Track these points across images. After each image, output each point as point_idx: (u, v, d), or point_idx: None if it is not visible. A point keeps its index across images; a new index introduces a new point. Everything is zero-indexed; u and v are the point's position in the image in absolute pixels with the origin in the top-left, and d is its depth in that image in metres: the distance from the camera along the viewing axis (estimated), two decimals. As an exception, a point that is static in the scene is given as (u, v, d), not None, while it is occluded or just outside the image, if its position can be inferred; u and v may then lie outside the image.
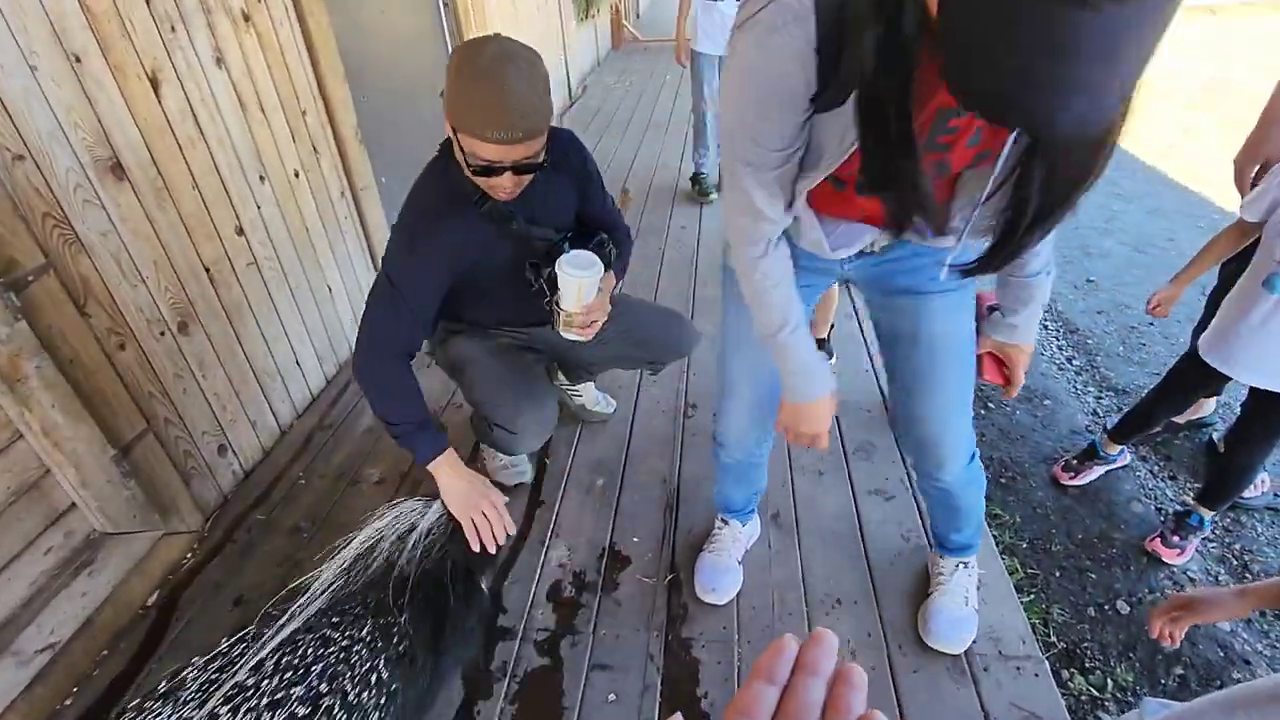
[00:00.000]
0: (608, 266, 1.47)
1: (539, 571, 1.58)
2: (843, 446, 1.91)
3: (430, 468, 1.30)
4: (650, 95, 5.88)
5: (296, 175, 2.08)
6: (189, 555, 1.66)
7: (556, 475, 1.86)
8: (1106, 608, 1.72)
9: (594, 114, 5.37)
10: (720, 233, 3.28)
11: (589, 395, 2.02)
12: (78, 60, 1.36)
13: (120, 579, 1.45)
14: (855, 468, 1.83)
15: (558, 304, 1.40)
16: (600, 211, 1.55)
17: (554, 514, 1.74)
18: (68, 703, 1.34)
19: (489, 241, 1.38)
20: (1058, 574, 1.81)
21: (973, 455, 1.25)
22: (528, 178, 1.25)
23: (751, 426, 1.32)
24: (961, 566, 1.41)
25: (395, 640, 1.03)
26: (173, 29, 1.59)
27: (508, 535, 1.28)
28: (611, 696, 1.32)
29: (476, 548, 1.24)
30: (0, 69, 1.21)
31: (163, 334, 1.60)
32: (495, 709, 1.30)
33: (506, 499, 1.30)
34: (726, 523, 1.56)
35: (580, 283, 1.34)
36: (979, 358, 1.18)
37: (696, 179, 3.66)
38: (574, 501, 1.78)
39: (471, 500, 1.25)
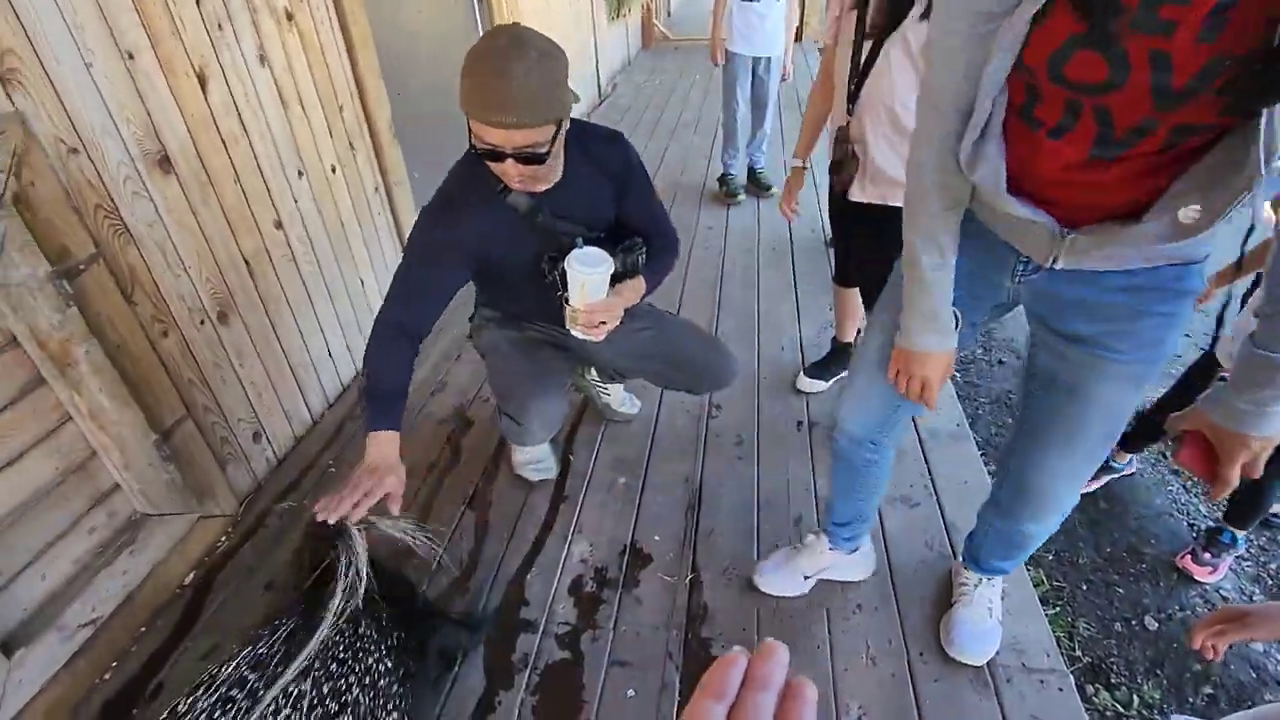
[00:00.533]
0: (633, 271, 1.47)
1: (561, 566, 1.60)
2: (867, 452, 1.90)
3: (370, 436, 1.23)
4: (680, 94, 5.88)
5: (333, 170, 2.13)
6: (223, 538, 1.71)
7: (580, 472, 1.88)
8: (1134, 623, 1.69)
9: (623, 112, 5.38)
10: (746, 234, 3.28)
11: (616, 395, 2.03)
12: (130, 57, 1.41)
13: (159, 559, 1.50)
14: (879, 473, 1.82)
15: (567, 299, 1.40)
16: (641, 215, 1.51)
17: (577, 510, 1.76)
18: (106, 676, 1.39)
19: (513, 233, 1.39)
20: (1084, 587, 1.78)
21: (1065, 515, 1.21)
22: (535, 168, 1.23)
23: (879, 405, 1.21)
24: (986, 580, 1.39)
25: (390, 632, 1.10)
26: (220, 27, 1.63)
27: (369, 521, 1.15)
28: (630, 692, 1.33)
29: (328, 506, 1.11)
30: (59, 65, 1.26)
31: (203, 323, 1.65)
32: (516, 699, 1.33)
33: (394, 512, 1.18)
34: (818, 536, 1.48)
35: (584, 279, 1.33)
36: (1181, 435, 0.93)
37: (724, 180, 3.66)
38: (596, 499, 1.79)
39: (366, 472, 1.16)
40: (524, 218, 1.38)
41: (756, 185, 3.70)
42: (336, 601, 1.01)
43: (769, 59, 3.26)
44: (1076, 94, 0.74)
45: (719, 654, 1.37)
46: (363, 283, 2.32)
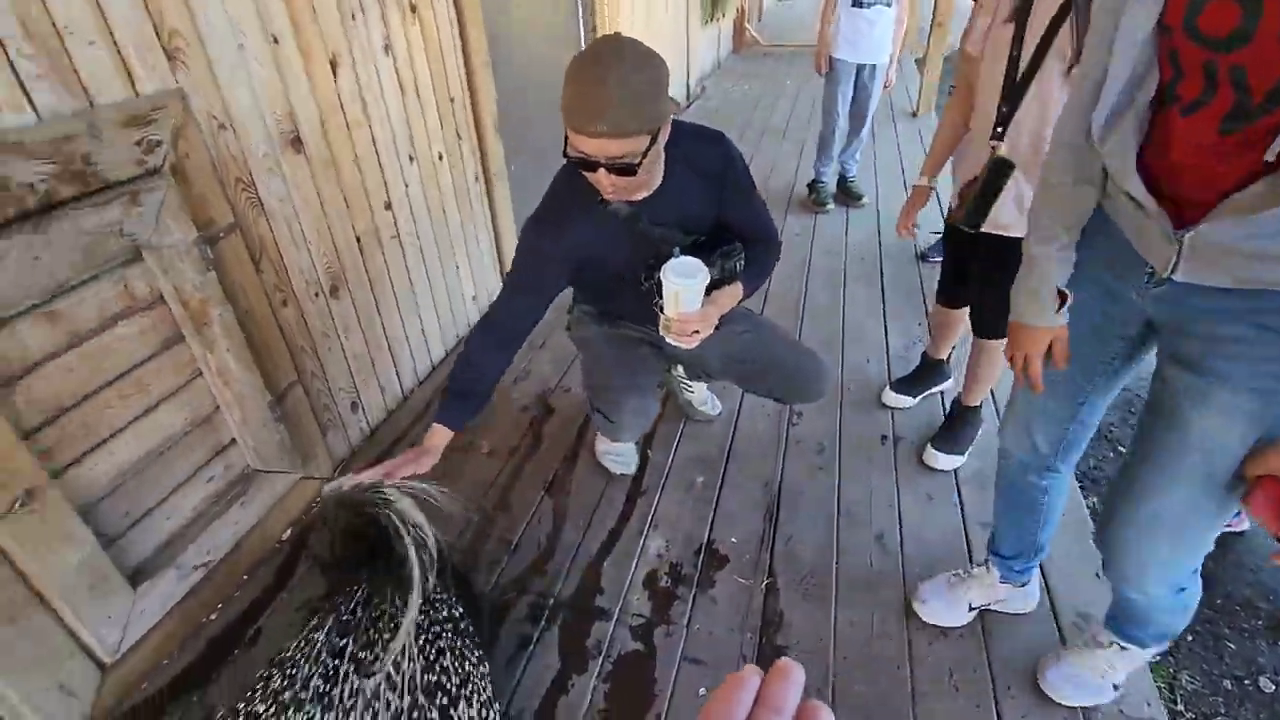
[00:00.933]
0: (730, 278, 1.45)
1: (637, 559, 1.61)
2: (955, 473, 1.83)
3: (435, 428, 1.35)
4: (769, 100, 5.82)
5: (440, 158, 2.21)
6: (318, 500, 1.81)
7: (658, 468, 1.89)
8: (1246, 682, 1.56)
9: (711, 115, 5.37)
10: (834, 243, 3.21)
11: (699, 394, 2.03)
12: (275, 41, 1.51)
13: (264, 513, 1.60)
14: (968, 498, 1.75)
15: (661, 307, 1.39)
16: (743, 219, 1.50)
17: (653, 505, 1.77)
18: (212, 617, 1.49)
19: (612, 239, 1.39)
20: (1190, 638, 1.66)
21: (1180, 589, 1.05)
22: (628, 179, 1.22)
23: (1045, 422, 1.15)
24: (1119, 644, 1.21)
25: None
26: (353, 17, 1.73)
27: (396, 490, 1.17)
28: (702, 691, 1.33)
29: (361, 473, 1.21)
30: (217, 46, 1.36)
31: (317, 295, 1.74)
32: (589, 684, 1.34)
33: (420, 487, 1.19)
34: (987, 568, 1.41)
35: (678, 290, 1.31)
36: (1254, 481, 0.85)
37: (814, 187, 3.60)
38: (673, 495, 1.80)
39: (408, 456, 1.27)
40: (624, 225, 1.38)
41: (847, 194, 3.62)
42: (417, 573, 1.03)
43: (874, 66, 3.18)
44: (1211, 52, 0.72)
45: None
46: (457, 268, 2.41)
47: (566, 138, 1.20)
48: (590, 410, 1.74)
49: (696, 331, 1.39)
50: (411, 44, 1.98)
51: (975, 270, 1.69)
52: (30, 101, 1.07)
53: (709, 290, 1.37)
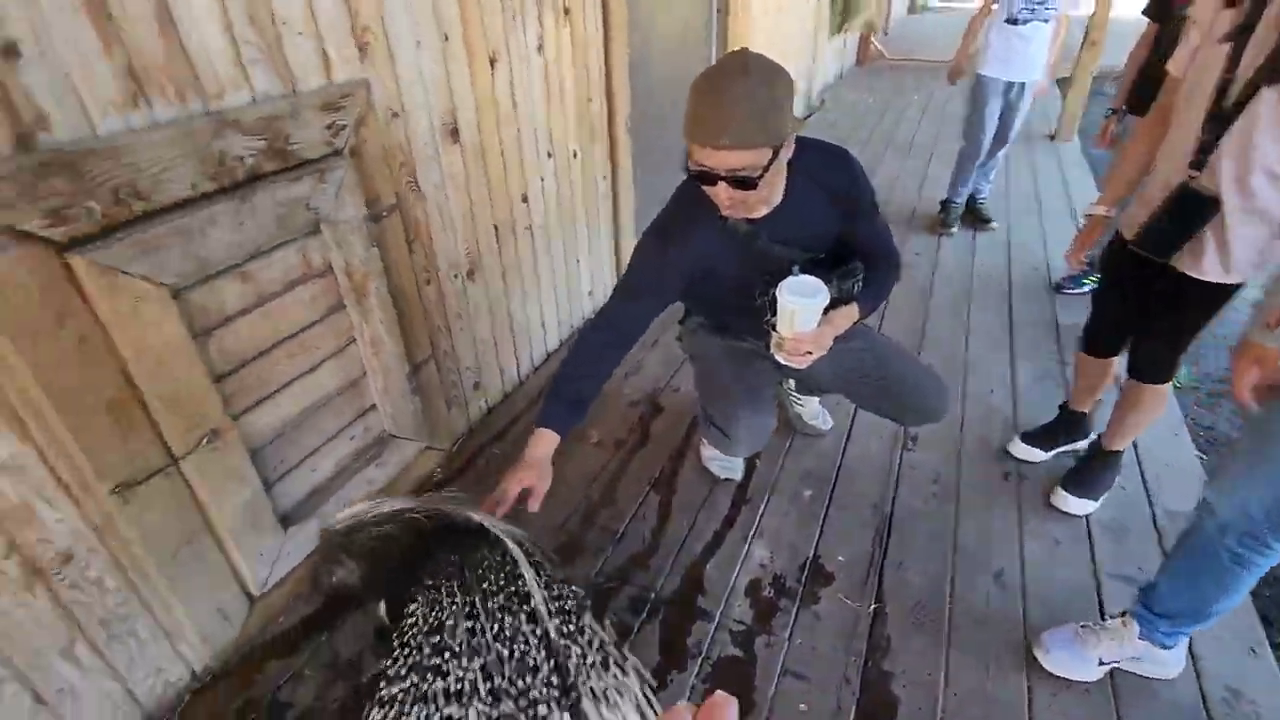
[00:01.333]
0: (847, 298, 1.41)
1: (740, 565, 1.61)
2: (1087, 519, 1.71)
3: (538, 432, 1.30)
4: (893, 115, 5.65)
5: (575, 156, 2.29)
6: (437, 471, 1.91)
7: (764, 477, 1.87)
8: None
9: (830, 127, 5.27)
10: (959, 268, 3.08)
11: (810, 408, 2.00)
12: (446, 39, 1.61)
13: (394, 476, 1.71)
14: (1102, 547, 1.63)
15: (773, 325, 1.37)
16: (864, 238, 1.46)
17: (758, 515, 1.75)
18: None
19: (729, 255, 1.38)
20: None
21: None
22: (747, 194, 1.20)
23: (1268, 485, 1.02)
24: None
25: None
26: (514, 18, 1.82)
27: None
28: (803, 707, 1.30)
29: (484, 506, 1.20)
30: (398, 41, 1.47)
31: (456, 278, 1.85)
32: (687, 682, 1.35)
33: (522, 500, 1.23)
34: (1125, 621, 1.32)
35: (795, 309, 1.28)
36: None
37: (946, 207, 3.42)
38: (779, 507, 1.78)
39: (515, 474, 1.24)
40: (742, 241, 1.36)
41: (975, 216, 3.45)
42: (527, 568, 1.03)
43: (1023, 84, 3.01)
44: None
45: (900, 692, 1.31)
46: (578, 262, 2.48)
47: (688, 152, 1.20)
48: (703, 424, 1.74)
49: (809, 353, 1.36)
50: (561, 45, 2.07)
51: (1141, 304, 1.53)
52: (249, 83, 1.20)
53: (825, 310, 1.33)
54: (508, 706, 0.85)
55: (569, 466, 1.91)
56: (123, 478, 1.11)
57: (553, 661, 0.90)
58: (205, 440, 1.22)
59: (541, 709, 0.84)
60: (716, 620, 1.47)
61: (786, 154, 1.22)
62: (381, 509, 1.18)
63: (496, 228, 1.97)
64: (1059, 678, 1.34)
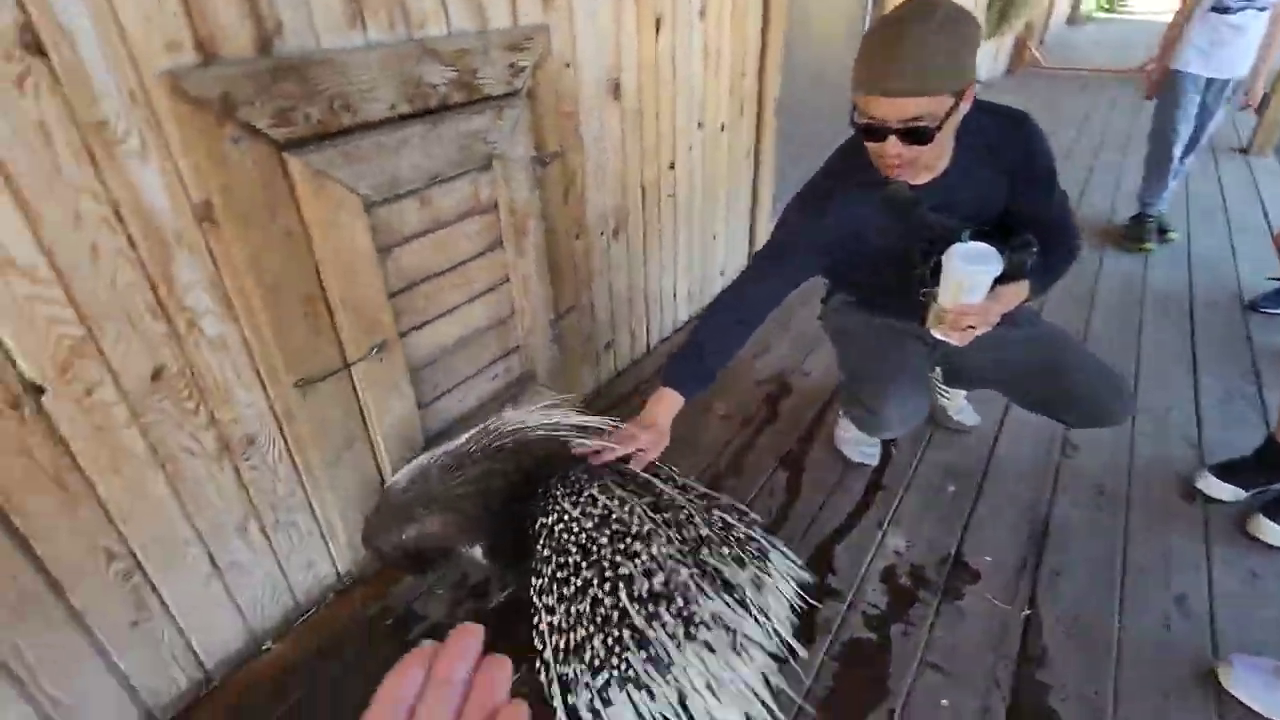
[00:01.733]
0: (1020, 272, 1.28)
1: (874, 551, 1.51)
2: (1292, 555, 1.48)
3: (662, 391, 1.30)
4: (1047, 125, 5.23)
5: (722, 128, 2.27)
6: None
7: (900, 467, 1.76)
8: None
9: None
10: (1126, 281, 2.79)
11: (956, 401, 1.87)
12: (619, -3, 1.64)
13: (527, 420, 1.75)
14: (1313, 585, 1.40)
15: (933, 296, 1.27)
16: (1039, 211, 1.32)
17: (894, 503, 1.65)
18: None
19: (884, 222, 1.30)
20: None
21: None
22: (917, 150, 1.12)
23: None
24: None
25: None
26: (683, -20, 1.83)
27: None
28: (945, 702, 1.20)
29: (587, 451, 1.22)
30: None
31: (602, 234, 1.87)
32: (816, 658, 1.28)
33: (635, 452, 1.22)
34: None
35: (963, 277, 1.18)
36: None
37: (1139, 221, 3.03)
38: (918, 498, 1.66)
39: (632, 431, 1.24)
40: (902, 208, 1.27)
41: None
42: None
43: (1226, 82, 2.67)
44: None
45: (1059, 706, 1.18)
46: (714, 238, 2.46)
47: (856, 107, 1.14)
48: (845, 404, 1.65)
49: (971, 327, 1.25)
50: (722, 14, 2.05)
51: None
52: (447, 17, 1.26)
53: (993, 285, 1.22)
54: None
55: (696, 433, 1.88)
56: (305, 373, 1.19)
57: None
58: (375, 350, 1.28)
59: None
60: (848, 601, 1.39)
61: (966, 106, 1.14)
62: (450, 454, 1.27)
63: (644, 190, 1.98)
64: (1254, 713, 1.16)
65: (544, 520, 1.13)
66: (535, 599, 1.08)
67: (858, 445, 1.75)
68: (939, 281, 1.24)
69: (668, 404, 1.30)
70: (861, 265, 1.42)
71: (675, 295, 2.34)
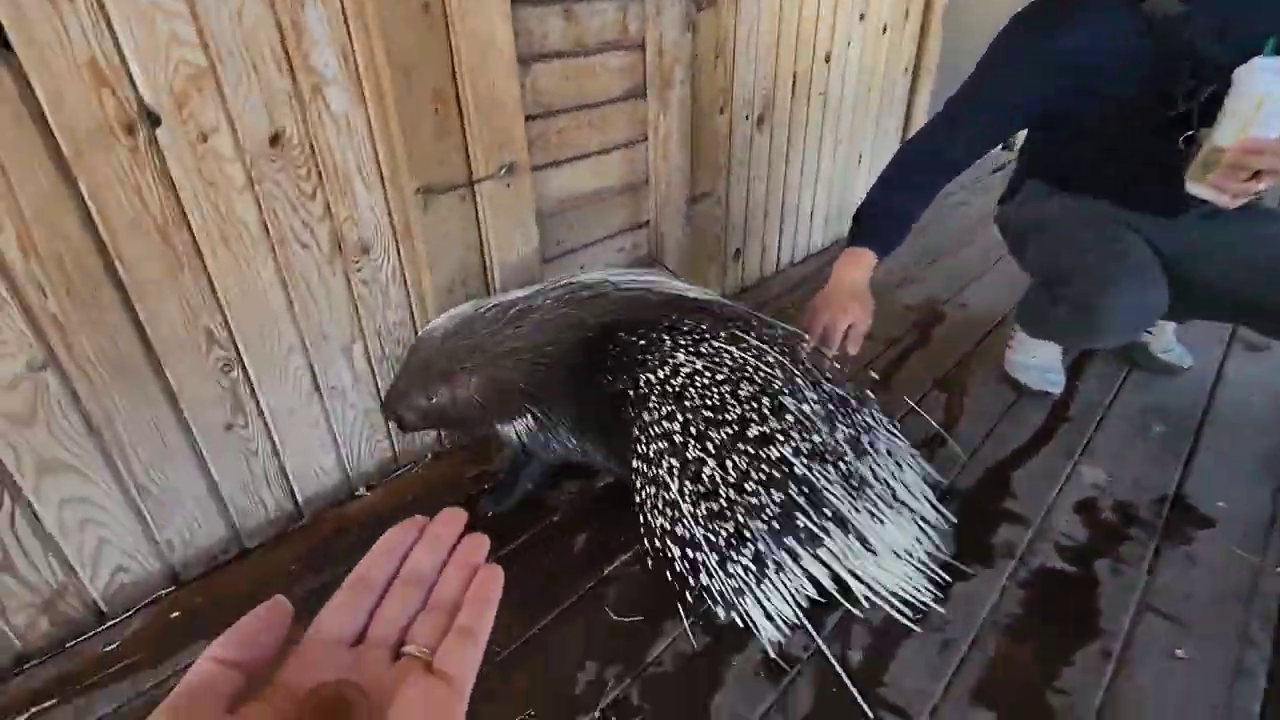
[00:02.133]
0: None
1: (1064, 480, 1.23)
2: None
3: (852, 251, 1.17)
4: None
5: (883, 31, 2.02)
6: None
7: (1089, 401, 1.46)
8: None
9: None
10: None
11: (1161, 338, 1.53)
12: None
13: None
14: None
15: (1201, 139, 1.00)
16: None
17: (1087, 435, 1.35)
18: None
19: (1135, 53, 1.03)
20: None
21: None
22: None
23: None
24: None
25: None
26: None
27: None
28: (1180, 652, 0.92)
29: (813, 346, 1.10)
30: None
31: (747, 118, 1.67)
32: (997, 582, 1.03)
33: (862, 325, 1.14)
34: None
35: (1264, 98, 0.91)
36: None
37: None
38: (1116, 433, 1.36)
39: (833, 303, 1.13)
40: (1163, 30, 1.01)
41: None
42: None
43: None
44: None
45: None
46: (860, 159, 2.20)
47: None
48: (1039, 310, 1.36)
49: (1258, 174, 0.95)
50: (903, -115, 1.81)
51: None
52: None
53: None
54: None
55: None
56: (429, 180, 1.07)
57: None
58: (503, 170, 1.14)
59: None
60: (1035, 526, 1.13)
61: None
62: (504, 306, 1.04)
63: (795, 78, 1.77)
64: None
65: (651, 377, 0.95)
66: (656, 465, 0.93)
67: (1038, 369, 1.46)
68: (1217, 116, 0.96)
69: (865, 264, 1.16)
70: (1088, 115, 1.14)
71: (812, 216, 2.11)
